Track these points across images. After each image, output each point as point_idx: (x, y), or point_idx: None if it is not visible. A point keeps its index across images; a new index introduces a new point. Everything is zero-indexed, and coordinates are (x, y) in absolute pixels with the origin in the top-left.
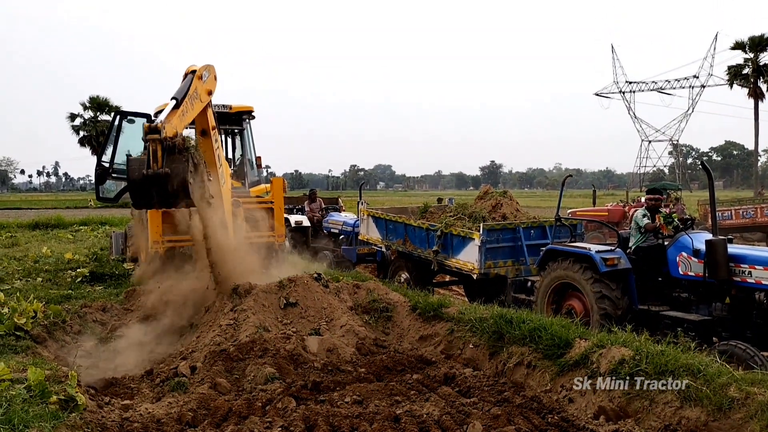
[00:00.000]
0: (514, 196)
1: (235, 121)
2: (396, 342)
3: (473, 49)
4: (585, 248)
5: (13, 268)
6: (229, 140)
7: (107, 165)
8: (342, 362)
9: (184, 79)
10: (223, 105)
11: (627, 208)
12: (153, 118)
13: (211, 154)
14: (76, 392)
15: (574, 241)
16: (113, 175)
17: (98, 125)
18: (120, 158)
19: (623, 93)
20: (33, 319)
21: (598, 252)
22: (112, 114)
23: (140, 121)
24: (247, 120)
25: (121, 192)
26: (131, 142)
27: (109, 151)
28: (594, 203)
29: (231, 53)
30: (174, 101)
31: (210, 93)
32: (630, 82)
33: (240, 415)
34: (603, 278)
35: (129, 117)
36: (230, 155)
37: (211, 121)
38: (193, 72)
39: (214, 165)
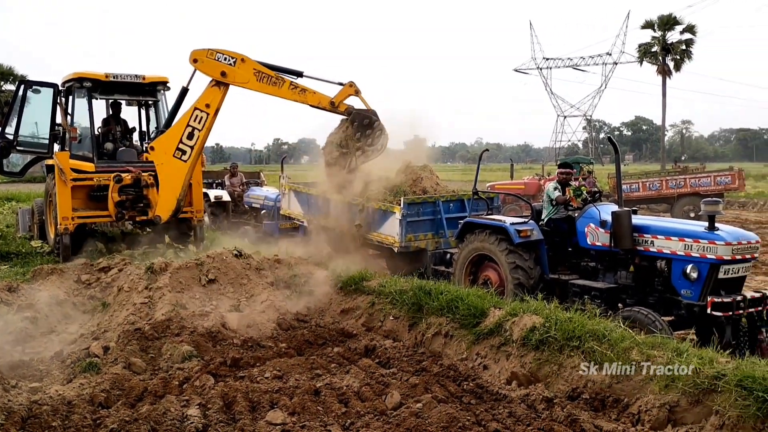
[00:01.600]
0: (434, 170)
1: (149, 92)
2: (318, 316)
3: (397, 23)
4: (500, 221)
5: None
6: (143, 112)
7: (12, 137)
8: (262, 338)
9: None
10: (136, 75)
11: (542, 181)
12: (60, 87)
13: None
14: None
15: (491, 214)
16: (18, 148)
17: (1, 95)
18: (26, 130)
19: (540, 69)
20: None
21: (512, 224)
22: (17, 83)
23: (46, 91)
24: (162, 91)
25: (27, 165)
26: (37, 112)
27: (14, 122)
28: (512, 177)
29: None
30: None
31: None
32: (547, 59)
33: (156, 395)
34: (517, 249)
35: (34, 87)
36: (144, 128)
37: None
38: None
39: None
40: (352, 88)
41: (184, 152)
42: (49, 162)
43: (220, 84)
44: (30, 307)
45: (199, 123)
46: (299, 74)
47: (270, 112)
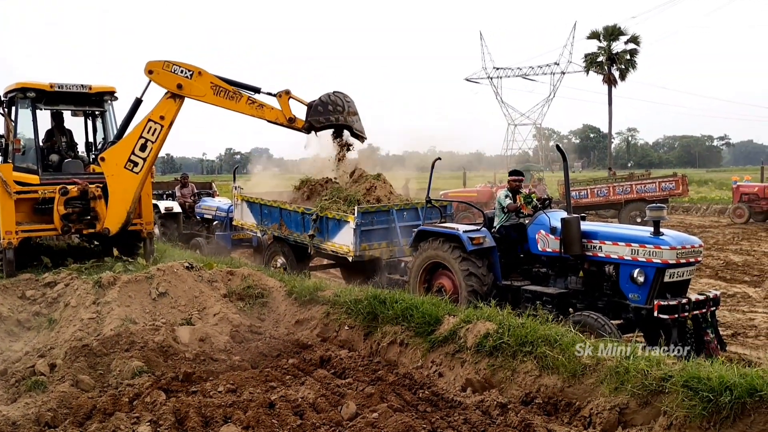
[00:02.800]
0: (387, 179)
1: (95, 102)
2: (272, 327)
3: (352, 23)
4: (453, 228)
5: None
6: (90, 123)
7: None
8: (215, 351)
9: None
10: (82, 85)
11: (494, 189)
12: (2, 98)
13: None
14: None
15: (444, 222)
16: None
17: None
18: None
19: (491, 78)
20: None
21: (465, 232)
22: None
23: None
24: (109, 101)
25: None
26: None
27: None
28: (464, 184)
29: (230, 53)
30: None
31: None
32: (497, 68)
33: (105, 412)
34: (470, 256)
35: None
36: (90, 139)
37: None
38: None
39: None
40: (285, 95)
41: (136, 164)
42: None
43: (176, 96)
44: None
45: (153, 135)
46: (257, 90)
47: (222, 122)
